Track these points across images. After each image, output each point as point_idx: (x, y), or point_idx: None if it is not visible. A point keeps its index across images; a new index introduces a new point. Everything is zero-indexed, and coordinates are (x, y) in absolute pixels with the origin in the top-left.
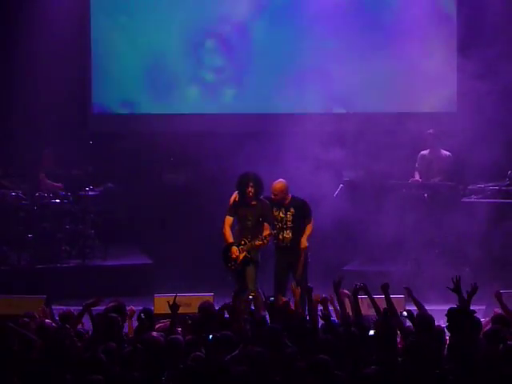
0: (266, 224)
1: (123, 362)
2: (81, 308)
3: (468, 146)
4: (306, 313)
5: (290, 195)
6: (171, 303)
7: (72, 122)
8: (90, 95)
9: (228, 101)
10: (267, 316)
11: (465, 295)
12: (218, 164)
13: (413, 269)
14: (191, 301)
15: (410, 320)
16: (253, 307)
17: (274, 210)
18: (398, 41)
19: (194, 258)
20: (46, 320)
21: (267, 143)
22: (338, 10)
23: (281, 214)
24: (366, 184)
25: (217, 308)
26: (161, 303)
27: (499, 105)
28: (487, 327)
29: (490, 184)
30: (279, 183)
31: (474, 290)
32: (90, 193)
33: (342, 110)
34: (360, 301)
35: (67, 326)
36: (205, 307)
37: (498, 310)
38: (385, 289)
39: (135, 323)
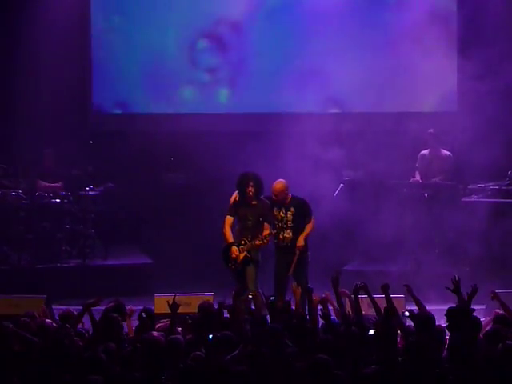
0: (266, 224)
1: (123, 362)
2: (81, 308)
3: (468, 145)
4: (306, 313)
5: (290, 195)
6: (171, 303)
7: (72, 122)
8: (89, 95)
9: (228, 101)
10: (267, 316)
11: (465, 296)
12: (218, 164)
13: (413, 269)
14: (191, 301)
15: (412, 320)
16: (253, 307)
17: (275, 209)
18: (398, 41)
19: (194, 258)
20: (47, 320)
21: (268, 143)
22: (337, 9)
23: (281, 214)
24: (366, 184)
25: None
26: (161, 303)
27: (499, 105)
28: (488, 327)
29: (490, 184)
30: (279, 184)
31: (474, 292)
32: (90, 193)
33: (342, 110)
34: (360, 300)
35: (67, 325)
36: (205, 307)
37: (499, 310)
38: (385, 289)
39: (134, 323)
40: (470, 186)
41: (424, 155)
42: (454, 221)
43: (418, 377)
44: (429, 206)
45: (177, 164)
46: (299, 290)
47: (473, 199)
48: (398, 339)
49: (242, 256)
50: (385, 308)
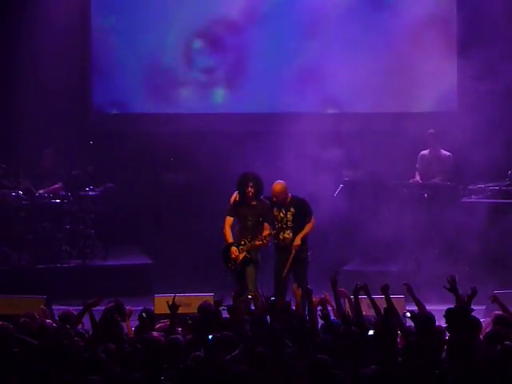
0: (266, 224)
1: (123, 362)
2: (81, 308)
3: (468, 145)
4: (306, 313)
5: (290, 195)
6: (170, 304)
7: (72, 122)
8: (90, 95)
9: (228, 101)
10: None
11: (463, 295)
12: (218, 164)
13: (413, 269)
14: (191, 301)
15: (413, 321)
16: (253, 307)
17: (275, 210)
18: (399, 41)
19: (194, 257)
20: (47, 320)
21: (267, 143)
22: (337, 10)
23: (281, 214)
24: (366, 184)
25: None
26: (161, 303)
27: (499, 105)
28: (488, 328)
29: (490, 184)
30: (278, 185)
31: (473, 294)
32: (90, 193)
33: (342, 110)
34: (360, 301)
35: (67, 326)
36: (204, 307)
37: (499, 311)
38: (385, 290)
39: (133, 323)
40: (469, 187)
41: (424, 155)
42: (454, 221)
43: (417, 377)
44: (429, 207)
45: (177, 164)
46: (300, 291)
47: (473, 200)
48: (398, 339)
49: (241, 256)
50: (384, 308)
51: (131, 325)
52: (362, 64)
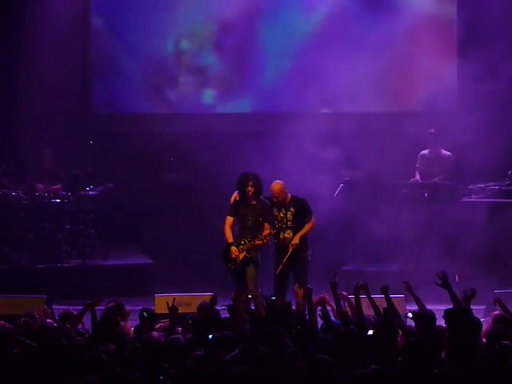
0: (265, 224)
1: (123, 362)
2: (81, 308)
3: (468, 145)
4: (306, 313)
5: (290, 194)
6: (170, 305)
7: (72, 122)
8: (90, 95)
9: (228, 101)
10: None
11: (458, 294)
12: (218, 164)
13: (412, 269)
14: (191, 301)
15: (415, 321)
16: (253, 307)
17: (275, 210)
18: (399, 41)
19: (194, 257)
20: (47, 320)
21: (267, 143)
22: (337, 10)
23: (281, 214)
24: (365, 184)
25: (216, 308)
26: (161, 303)
27: (499, 105)
28: (488, 327)
29: (490, 183)
30: (277, 185)
31: (472, 295)
32: (90, 193)
33: (342, 110)
34: (360, 300)
35: (67, 325)
36: (204, 307)
37: (499, 311)
38: (384, 291)
39: (131, 323)
40: (469, 186)
41: (424, 155)
42: (454, 221)
43: (417, 377)
44: (429, 206)
45: (177, 164)
46: (301, 292)
47: (473, 199)
48: (399, 339)
49: (241, 256)
50: (384, 308)
51: (131, 325)
52: (362, 64)
